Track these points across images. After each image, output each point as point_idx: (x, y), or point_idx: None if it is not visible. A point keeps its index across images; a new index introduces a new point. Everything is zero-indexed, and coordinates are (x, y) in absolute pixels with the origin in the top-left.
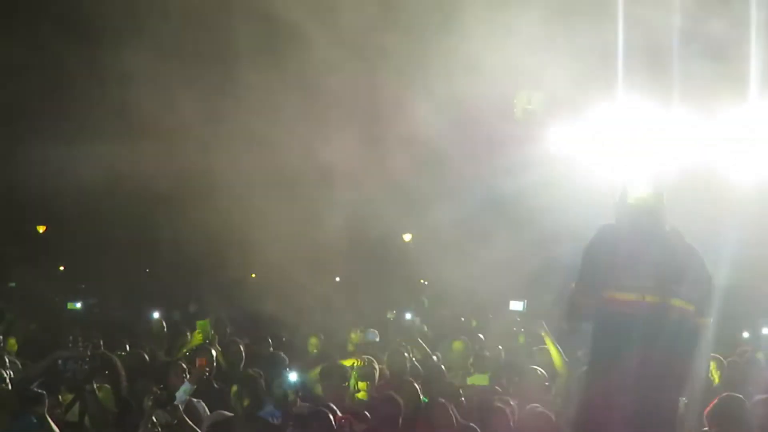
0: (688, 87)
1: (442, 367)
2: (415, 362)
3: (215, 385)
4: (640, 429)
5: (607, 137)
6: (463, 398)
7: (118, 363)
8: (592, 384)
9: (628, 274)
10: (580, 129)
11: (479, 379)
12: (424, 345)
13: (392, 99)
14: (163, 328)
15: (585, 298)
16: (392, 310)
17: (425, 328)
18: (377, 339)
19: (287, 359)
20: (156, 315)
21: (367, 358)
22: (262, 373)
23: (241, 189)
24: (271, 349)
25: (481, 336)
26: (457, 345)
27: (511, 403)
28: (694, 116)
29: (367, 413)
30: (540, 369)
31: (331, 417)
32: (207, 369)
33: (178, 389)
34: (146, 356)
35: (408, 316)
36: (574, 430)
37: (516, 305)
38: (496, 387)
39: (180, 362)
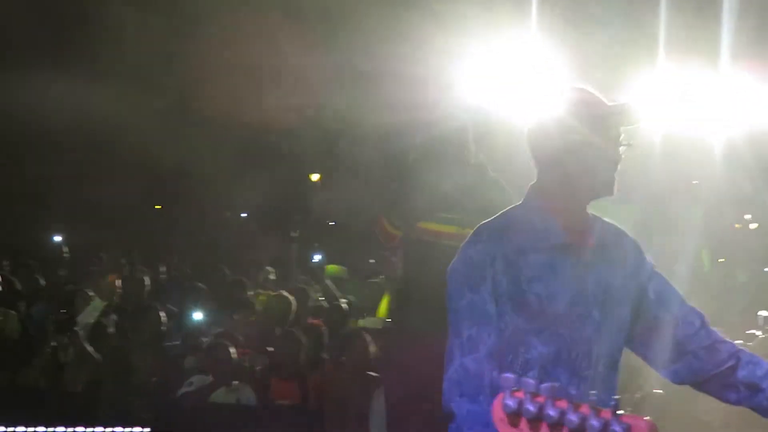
0: (601, 42)
1: (344, 306)
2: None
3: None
4: None
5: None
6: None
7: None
8: (406, 305)
9: (445, 206)
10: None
11: (371, 322)
12: (331, 286)
13: (301, 37)
14: (64, 252)
15: (395, 229)
16: (296, 230)
17: (345, 271)
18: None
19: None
20: (58, 239)
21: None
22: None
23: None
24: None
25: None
26: (370, 286)
27: None
28: (607, 72)
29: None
30: None
31: (231, 350)
32: (119, 288)
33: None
34: (41, 279)
35: (317, 257)
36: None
37: None
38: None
39: (86, 290)
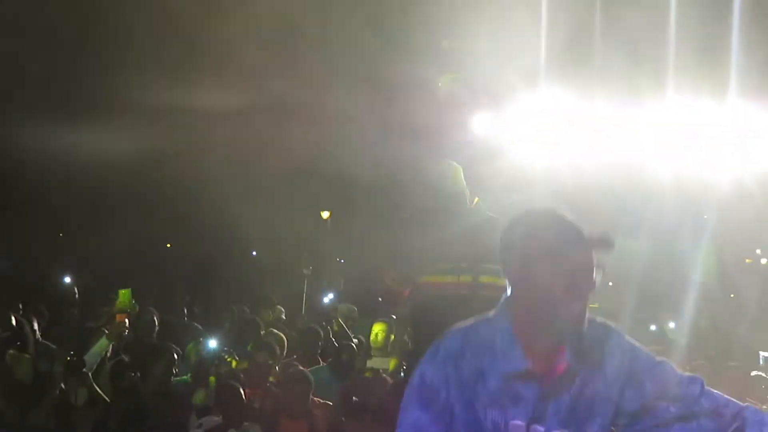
0: (609, 81)
1: (354, 346)
2: (333, 341)
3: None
4: None
5: (529, 125)
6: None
7: (29, 332)
8: (417, 355)
9: (442, 257)
10: (502, 116)
11: (380, 363)
12: (343, 325)
13: (312, 78)
14: (75, 293)
15: (397, 285)
16: (309, 267)
17: (355, 311)
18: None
19: (201, 330)
20: (67, 279)
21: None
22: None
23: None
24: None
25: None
26: (378, 327)
27: None
28: (615, 110)
29: (277, 390)
30: None
31: (242, 390)
32: (127, 328)
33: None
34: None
35: (328, 297)
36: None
37: None
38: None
39: (102, 329)
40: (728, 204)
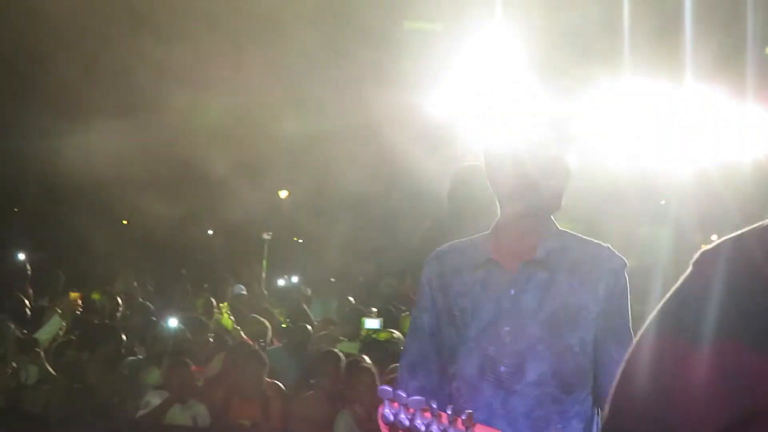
0: (567, 67)
1: (309, 327)
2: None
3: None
4: None
5: (482, 111)
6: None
7: None
8: None
9: None
10: (460, 97)
11: (349, 347)
12: (306, 308)
13: (267, 61)
14: (27, 270)
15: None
16: (268, 232)
17: (308, 291)
18: (244, 292)
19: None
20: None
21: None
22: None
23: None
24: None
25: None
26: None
27: (373, 368)
28: (574, 96)
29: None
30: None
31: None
32: (80, 306)
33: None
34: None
35: (282, 280)
36: None
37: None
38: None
39: (55, 307)
40: (685, 190)
